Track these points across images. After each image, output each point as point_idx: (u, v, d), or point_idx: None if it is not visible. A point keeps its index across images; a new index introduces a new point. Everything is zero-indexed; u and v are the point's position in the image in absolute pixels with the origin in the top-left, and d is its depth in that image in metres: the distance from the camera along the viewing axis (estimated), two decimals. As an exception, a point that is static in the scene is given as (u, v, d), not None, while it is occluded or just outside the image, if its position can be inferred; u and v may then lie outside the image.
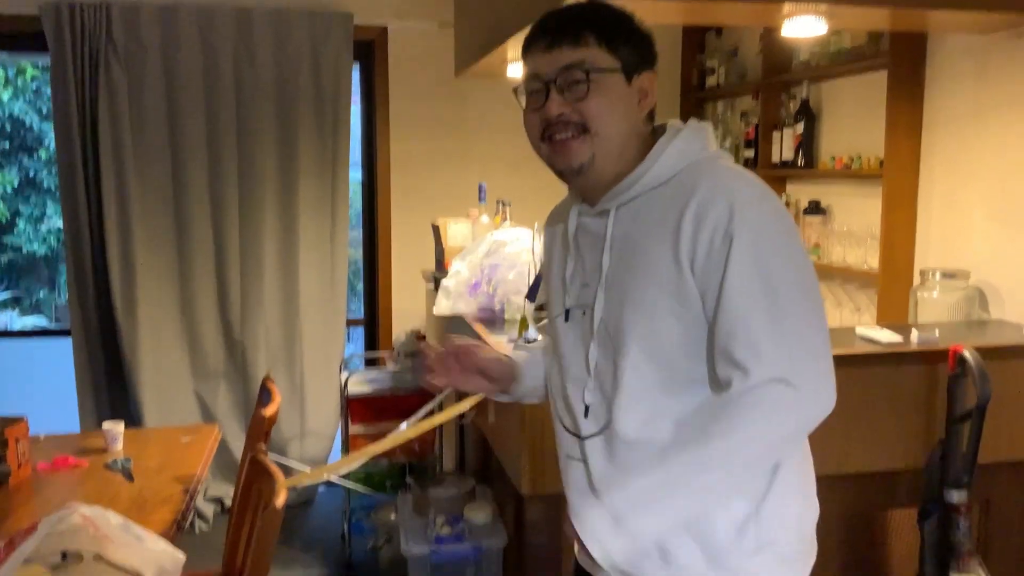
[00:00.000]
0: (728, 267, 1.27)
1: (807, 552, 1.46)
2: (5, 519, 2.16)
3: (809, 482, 1.49)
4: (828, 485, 2.41)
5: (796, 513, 1.42)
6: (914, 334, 2.45)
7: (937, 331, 2.47)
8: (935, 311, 2.78)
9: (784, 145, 3.78)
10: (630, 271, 1.36)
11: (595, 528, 1.31)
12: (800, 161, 3.68)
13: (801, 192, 3.81)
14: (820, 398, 1.28)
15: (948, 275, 2.80)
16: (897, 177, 3.11)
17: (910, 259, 3.13)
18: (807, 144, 3.66)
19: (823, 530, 2.43)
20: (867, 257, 3.33)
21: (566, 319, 1.48)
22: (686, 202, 1.31)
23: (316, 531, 4.19)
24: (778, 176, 3.89)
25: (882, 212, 3.14)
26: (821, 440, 2.22)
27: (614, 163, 1.39)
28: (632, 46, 1.39)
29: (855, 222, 3.44)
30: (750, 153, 4.03)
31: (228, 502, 4.31)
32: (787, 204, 3.83)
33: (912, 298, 2.89)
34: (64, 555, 1.86)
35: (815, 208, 3.64)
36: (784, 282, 1.28)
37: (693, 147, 1.39)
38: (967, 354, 2.26)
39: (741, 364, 1.26)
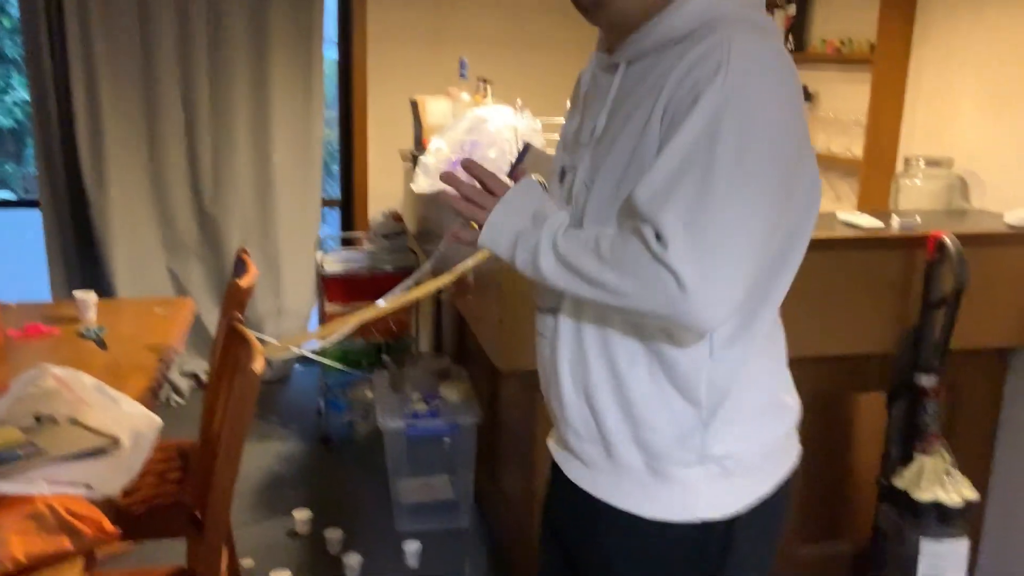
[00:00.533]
0: (682, 124, 1.13)
1: (774, 463, 1.36)
2: (-23, 384, 2.14)
3: (778, 391, 1.38)
4: (800, 367, 2.45)
5: (755, 428, 1.31)
6: (895, 220, 2.44)
7: (918, 217, 2.46)
8: (917, 199, 2.77)
9: (774, 28, 3.68)
10: (617, 133, 1.26)
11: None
12: (790, 44, 3.59)
13: (788, 78, 3.74)
14: (706, 309, 1.12)
15: (932, 163, 2.78)
16: (887, 62, 3.05)
17: (894, 147, 3.10)
18: (798, 27, 3.58)
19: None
20: (851, 145, 3.29)
21: (560, 180, 1.40)
22: (683, 58, 1.17)
23: (292, 407, 4.23)
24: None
25: (870, 98, 3.09)
26: (795, 322, 2.23)
27: (636, 3, 1.23)
28: None
29: (842, 108, 3.39)
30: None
31: (203, 377, 4.33)
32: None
33: (894, 185, 2.88)
34: (38, 418, 1.85)
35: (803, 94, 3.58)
36: (732, 163, 1.11)
37: (723, 1, 1.21)
38: (947, 240, 2.26)
39: (649, 229, 1.13)
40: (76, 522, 1.46)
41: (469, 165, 1.35)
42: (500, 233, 1.29)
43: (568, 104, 1.52)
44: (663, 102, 1.18)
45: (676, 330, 1.22)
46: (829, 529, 2.65)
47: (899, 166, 3.05)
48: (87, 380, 1.74)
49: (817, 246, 2.20)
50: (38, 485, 1.54)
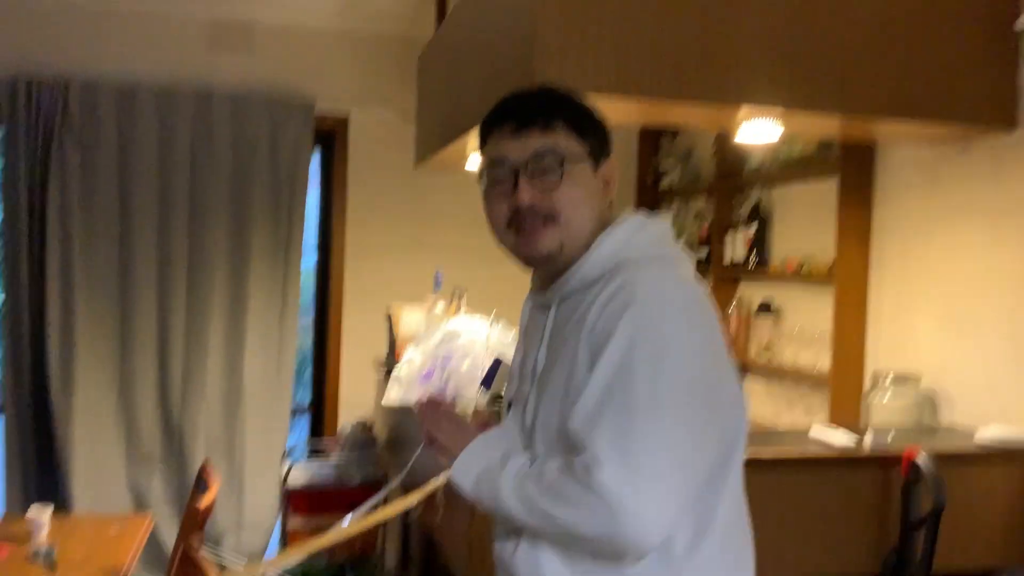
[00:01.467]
0: (601, 358, 1.24)
1: None
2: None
3: None
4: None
5: None
6: (868, 437, 2.44)
7: (891, 435, 2.47)
8: (888, 415, 2.78)
9: (736, 246, 3.83)
10: (552, 368, 1.35)
11: None
12: (752, 262, 3.73)
13: (754, 292, 3.85)
14: (641, 528, 1.18)
15: (900, 379, 2.82)
16: (847, 281, 3.16)
17: (860, 361, 3.15)
18: (759, 245, 3.72)
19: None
20: (818, 358, 3.34)
21: (507, 410, 1.47)
22: (598, 298, 1.29)
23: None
24: (730, 276, 3.94)
25: (834, 315, 3.17)
26: (775, 541, 2.18)
27: (580, 252, 1.36)
28: (596, 133, 1.39)
29: (806, 322, 3.47)
30: (704, 253, 4.08)
31: (156, 597, 4.10)
32: (737, 304, 3.86)
33: (864, 402, 2.90)
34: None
35: (766, 308, 3.68)
36: (648, 391, 1.21)
37: (629, 244, 1.35)
38: (920, 461, 2.25)
39: (583, 458, 1.21)
40: None
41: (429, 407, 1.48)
42: (465, 475, 1.35)
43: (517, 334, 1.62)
44: (584, 338, 1.28)
45: (623, 554, 1.25)
46: None
47: (867, 383, 3.09)
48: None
49: (792, 465, 2.20)
50: None
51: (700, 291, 1.33)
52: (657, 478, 1.18)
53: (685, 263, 1.40)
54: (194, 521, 2.04)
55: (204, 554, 1.70)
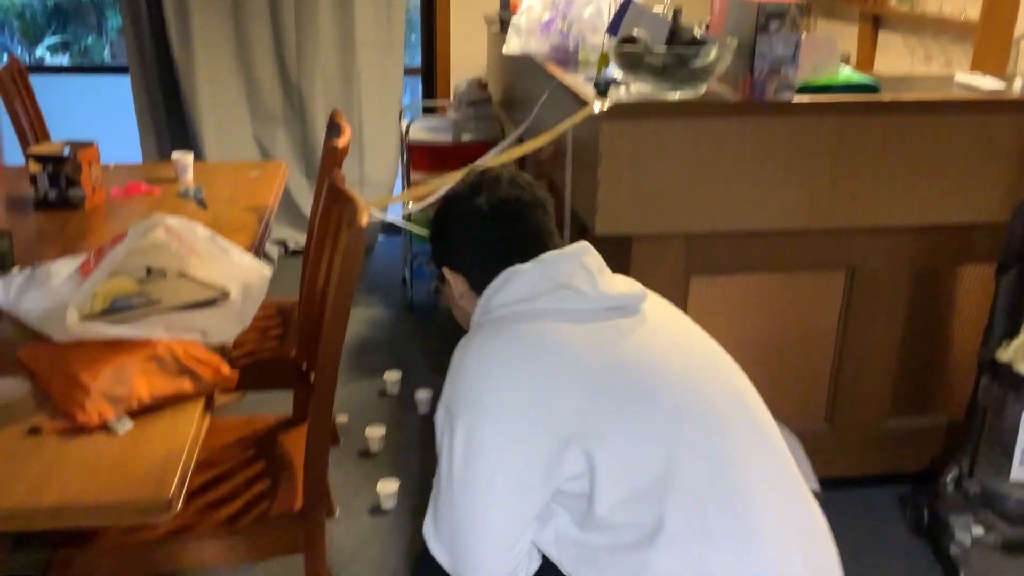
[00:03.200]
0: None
1: None
2: (83, 241, 2.21)
3: None
4: (899, 237, 2.38)
5: None
6: (1018, 82, 2.30)
7: (1042, 81, 2.32)
8: (1039, 62, 2.60)
9: None
10: None
11: None
12: None
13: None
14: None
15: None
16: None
17: (1015, 5, 2.90)
18: None
19: (890, 285, 2.41)
20: (966, 6, 3.09)
21: None
22: None
23: (378, 276, 4.29)
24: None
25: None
26: (902, 189, 2.15)
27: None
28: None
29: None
30: None
31: (291, 245, 4.42)
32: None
33: (1014, 48, 2.70)
34: (149, 270, 1.91)
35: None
36: (462, 460, 1.27)
37: (483, 309, 1.39)
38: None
39: None
40: (195, 365, 1.52)
41: None
42: None
43: None
44: None
45: None
46: (922, 402, 2.62)
47: (1019, 27, 2.86)
48: (200, 231, 1.77)
49: (930, 109, 2.11)
50: (156, 331, 1.60)
51: (537, 346, 1.29)
52: (472, 549, 1.29)
53: (549, 315, 1.33)
54: (333, 158, 2.12)
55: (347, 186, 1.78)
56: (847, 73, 2.37)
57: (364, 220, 1.61)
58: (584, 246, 1.41)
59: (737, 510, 1.25)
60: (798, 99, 2.17)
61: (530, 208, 1.42)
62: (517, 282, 1.36)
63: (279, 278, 2.95)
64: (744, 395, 1.38)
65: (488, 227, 1.41)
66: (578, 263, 1.37)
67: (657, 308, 1.43)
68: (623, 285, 1.40)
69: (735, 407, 1.35)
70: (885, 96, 2.27)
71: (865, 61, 3.73)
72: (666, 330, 1.40)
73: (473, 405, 1.27)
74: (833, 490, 2.49)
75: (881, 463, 2.63)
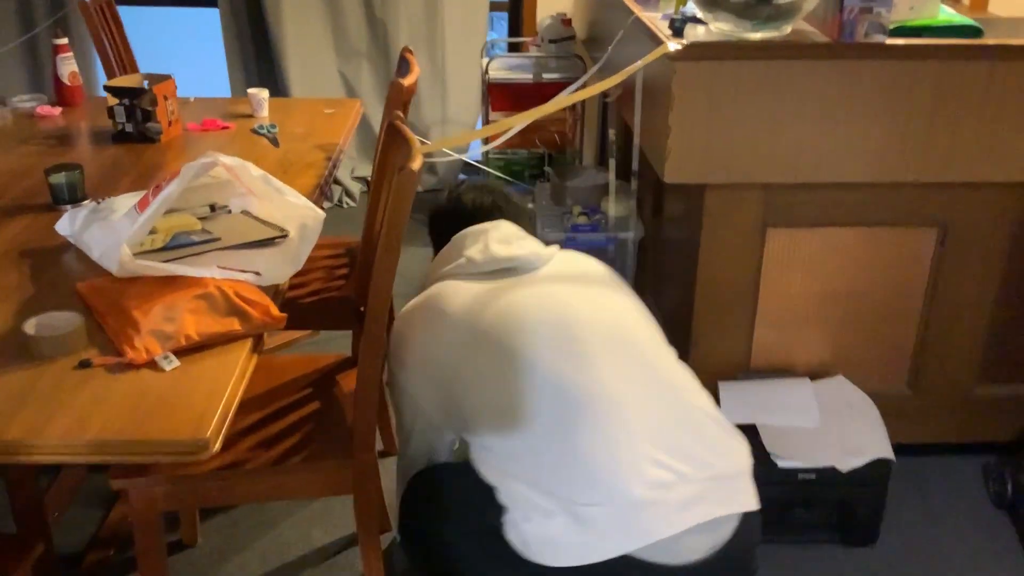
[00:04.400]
0: None
1: None
2: (156, 175, 2.23)
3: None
4: (998, 193, 2.21)
5: None
6: None
7: None
8: None
9: None
10: None
11: None
12: None
13: None
14: None
15: None
16: None
17: None
18: None
19: (985, 244, 2.25)
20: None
21: None
22: None
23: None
24: None
25: None
26: (1005, 143, 1.99)
27: None
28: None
29: None
30: None
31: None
32: None
33: None
34: (212, 207, 1.92)
35: None
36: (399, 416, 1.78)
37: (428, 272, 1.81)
38: None
39: None
40: (245, 305, 1.51)
41: None
42: None
43: None
44: None
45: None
46: (1013, 370, 2.47)
47: None
48: (254, 171, 1.76)
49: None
50: (210, 269, 1.60)
51: (421, 307, 1.70)
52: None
53: (453, 272, 1.73)
54: (399, 97, 2.08)
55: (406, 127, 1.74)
56: (948, 14, 2.19)
57: (417, 163, 1.56)
58: (496, 223, 1.79)
59: (593, 394, 1.50)
60: (891, 42, 2.02)
61: (483, 211, 1.85)
62: (437, 257, 1.81)
63: (360, 215, 2.95)
64: (628, 336, 1.60)
65: (448, 222, 1.87)
66: (484, 236, 1.74)
67: (563, 266, 1.71)
68: (523, 250, 1.70)
69: (607, 343, 1.56)
70: (989, 40, 2.09)
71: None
72: (556, 284, 1.65)
73: (400, 362, 1.71)
74: (910, 456, 2.40)
75: (965, 431, 2.49)
